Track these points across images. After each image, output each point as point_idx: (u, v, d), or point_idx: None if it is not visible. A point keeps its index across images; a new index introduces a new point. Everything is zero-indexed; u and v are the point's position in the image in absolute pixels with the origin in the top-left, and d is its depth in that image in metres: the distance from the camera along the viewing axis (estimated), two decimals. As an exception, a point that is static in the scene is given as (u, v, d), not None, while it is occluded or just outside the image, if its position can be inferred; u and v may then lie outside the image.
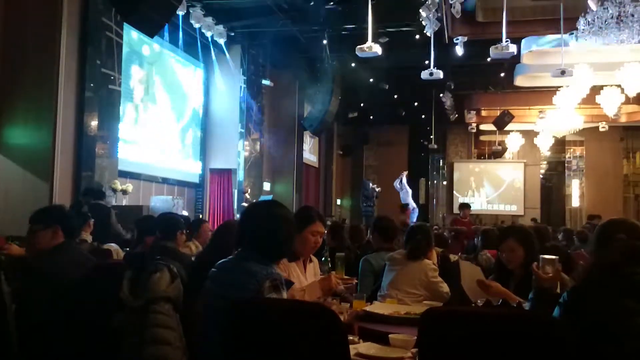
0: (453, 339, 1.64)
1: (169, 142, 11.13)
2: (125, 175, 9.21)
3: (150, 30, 9.25)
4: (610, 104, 12.79)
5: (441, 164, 20.49)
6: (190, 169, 11.86)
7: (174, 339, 2.18)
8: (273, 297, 2.10)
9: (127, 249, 5.30)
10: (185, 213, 9.23)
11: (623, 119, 15.70)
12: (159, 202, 9.09)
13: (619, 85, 12.13)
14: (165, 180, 10.96)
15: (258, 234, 2.34)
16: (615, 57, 10.72)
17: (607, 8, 8.35)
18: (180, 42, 10.73)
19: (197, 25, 10.08)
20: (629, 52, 10.04)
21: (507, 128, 16.23)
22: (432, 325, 1.69)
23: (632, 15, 8.32)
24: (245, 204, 11.72)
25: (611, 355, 1.77)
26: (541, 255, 2.51)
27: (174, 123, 11.34)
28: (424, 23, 9.23)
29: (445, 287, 3.85)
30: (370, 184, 15.97)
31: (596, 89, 12.69)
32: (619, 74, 11.26)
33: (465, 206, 10.72)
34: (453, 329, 1.65)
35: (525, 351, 1.70)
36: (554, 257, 2.49)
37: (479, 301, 2.96)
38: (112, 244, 5.53)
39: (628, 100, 12.80)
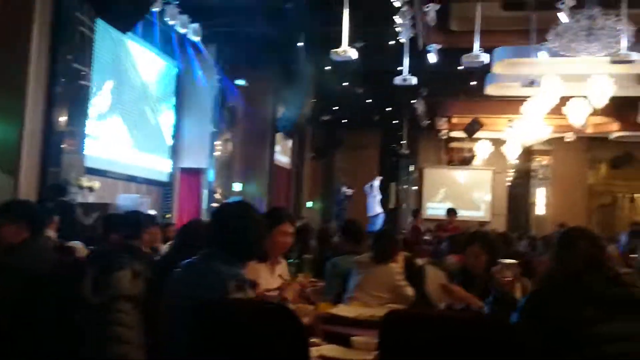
0: (412, 342, 1.67)
1: (139, 140, 11.00)
2: (92, 172, 9.06)
3: (124, 26, 9.17)
4: (577, 115, 13.07)
5: (412, 169, 20.66)
6: (159, 167, 11.73)
7: (135, 338, 2.17)
8: (237, 298, 2.10)
9: (92, 247, 5.22)
10: (152, 212, 9.13)
11: (589, 130, 16.05)
12: (126, 200, 8.98)
13: (586, 97, 12.41)
14: (133, 179, 10.82)
15: (228, 234, 2.34)
16: (583, 69, 10.97)
17: (578, 20, 8.55)
18: (154, 39, 10.62)
19: (171, 23, 9.99)
20: (597, 64, 10.27)
21: (476, 135, 16.47)
22: (392, 328, 1.72)
23: (602, 28, 8.53)
24: (215, 205, 11.66)
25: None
26: (500, 260, 2.56)
27: (144, 121, 11.21)
28: (399, 29, 9.31)
29: (410, 291, 3.90)
30: (343, 188, 16.06)
31: (564, 100, 12.96)
32: (587, 86, 11.54)
33: (452, 212, 10.81)
34: (412, 332, 1.68)
35: (483, 355, 1.73)
36: (512, 261, 2.54)
37: (441, 305, 3.00)
38: (76, 242, 5.45)
39: (595, 112, 13.10)
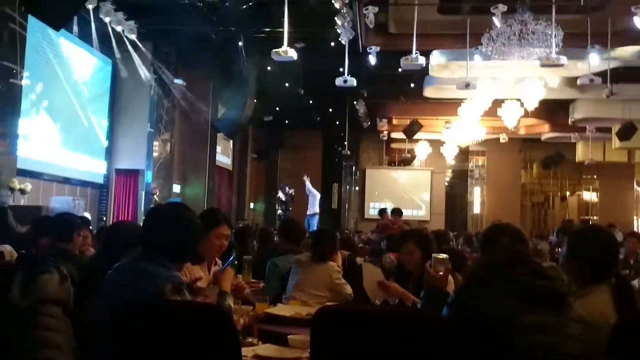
0: (343, 337, 1.69)
1: (73, 140, 10.65)
2: (25, 174, 8.74)
3: (57, 22, 8.83)
4: (511, 117, 13.55)
5: (354, 170, 20.89)
6: (94, 168, 11.39)
7: (63, 342, 2.10)
8: (166, 299, 2.07)
9: (23, 250, 5.04)
10: (87, 215, 8.87)
11: (522, 132, 16.67)
12: (59, 202, 8.70)
13: (519, 100, 12.87)
14: (67, 180, 10.48)
15: (163, 236, 2.31)
16: (516, 73, 11.37)
17: (511, 25, 8.86)
18: (89, 37, 10.32)
19: (106, 20, 9.73)
20: (529, 68, 10.65)
21: (416, 137, 16.79)
22: (323, 324, 1.73)
23: (533, 33, 8.87)
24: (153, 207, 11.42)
25: (498, 354, 1.87)
26: (433, 255, 2.62)
27: (78, 121, 10.87)
28: (339, 31, 9.39)
29: (348, 289, 3.94)
30: (287, 188, 16.06)
31: (498, 102, 13.40)
32: (519, 89, 11.97)
33: (396, 212, 10.97)
34: (343, 327, 1.70)
35: (414, 348, 1.77)
36: (445, 256, 2.60)
37: (377, 301, 3.05)
38: (5, 245, 5.26)
39: (527, 114, 13.60)
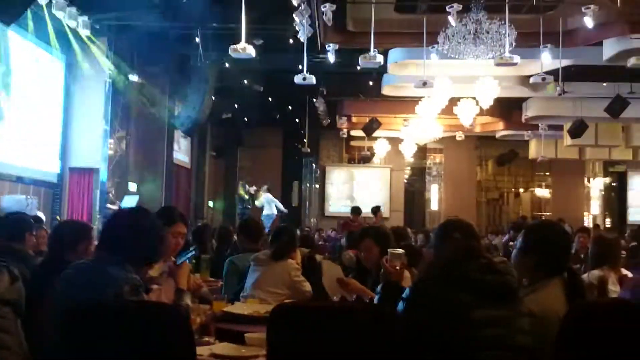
0: (300, 334, 1.70)
1: (26, 139, 10.35)
2: (-26, 172, 8.47)
3: (7, 17, 8.58)
4: (466, 115, 13.79)
5: (314, 168, 20.92)
6: (47, 167, 11.08)
7: (13, 343, 2.05)
8: (118, 299, 2.05)
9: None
10: (40, 214, 8.63)
11: (477, 129, 16.98)
12: (11, 202, 8.45)
13: (474, 98, 13.11)
14: (19, 179, 10.17)
15: (123, 241, 2.30)
16: (471, 71, 11.58)
17: (466, 24, 9.01)
18: (41, 32, 10.03)
19: (59, 15, 9.48)
20: (484, 67, 10.87)
21: (375, 134, 16.93)
22: (280, 321, 1.74)
23: (487, 32, 9.04)
24: (109, 205, 11.19)
25: (452, 347, 1.91)
26: (389, 250, 2.65)
27: (31, 119, 10.56)
28: (297, 28, 9.37)
29: (307, 286, 3.96)
30: (247, 186, 15.96)
31: (454, 101, 13.62)
32: (475, 87, 12.19)
33: (356, 210, 10.98)
34: (300, 324, 1.70)
35: (371, 344, 1.79)
36: (400, 251, 2.64)
37: (335, 297, 3.08)
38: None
39: (482, 112, 13.86)
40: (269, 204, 14.69)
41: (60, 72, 11.44)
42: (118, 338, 1.84)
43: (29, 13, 9.34)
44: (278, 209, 14.65)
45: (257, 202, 15.18)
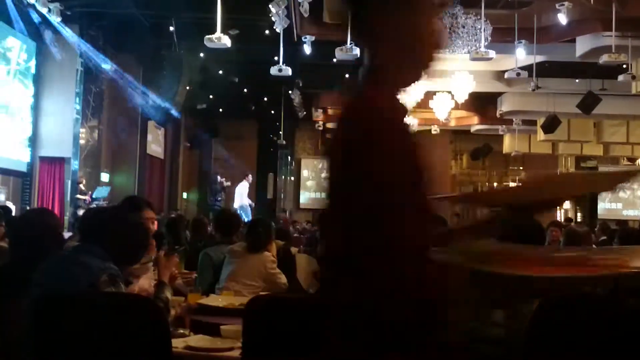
0: (275, 326, 1.68)
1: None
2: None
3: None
4: (442, 109, 13.87)
5: (289, 160, 20.88)
6: (16, 156, 10.85)
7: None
8: (99, 290, 2.02)
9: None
10: (9, 204, 8.45)
11: (453, 123, 17.09)
12: (-21, 191, 8.24)
13: (449, 92, 13.19)
14: (-13, 168, 9.96)
15: (107, 238, 2.27)
16: (447, 65, 11.62)
17: (442, 18, 9.03)
18: (11, 18, 9.79)
19: (30, 1, 9.26)
20: (460, 62, 10.92)
21: (351, 127, 16.91)
22: (255, 313, 1.71)
23: (463, 27, 9.08)
24: (79, 196, 11.01)
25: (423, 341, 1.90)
26: None
27: (0, 107, 10.31)
28: (273, 19, 9.30)
29: (283, 279, 3.93)
30: (219, 178, 15.82)
31: (430, 95, 13.68)
32: (450, 81, 12.25)
33: None
34: (275, 316, 1.69)
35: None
36: None
37: (310, 290, 3.06)
38: None
39: (457, 106, 13.96)
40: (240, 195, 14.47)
41: (31, 59, 11.19)
42: (93, 329, 1.80)
43: (-2, -2, 9.12)
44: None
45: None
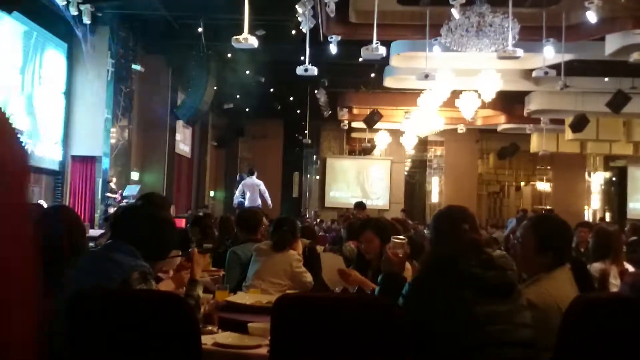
0: (303, 324, 1.72)
1: (28, 126, 10.36)
2: (-26, 160, 8.43)
3: (10, 5, 8.59)
4: (468, 108, 13.77)
5: (314, 159, 20.93)
6: (49, 155, 11.10)
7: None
8: (125, 287, 2.08)
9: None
10: (42, 202, 8.66)
11: (479, 122, 16.97)
12: (13, 189, 8.42)
13: (476, 91, 13.09)
14: (21, 167, 10.18)
15: (137, 234, 2.33)
16: (474, 64, 11.55)
17: (469, 17, 8.98)
18: (44, 20, 10.01)
19: (61, 4, 9.46)
20: (487, 60, 10.84)
21: (376, 126, 16.91)
22: (283, 312, 1.76)
23: (490, 25, 9.01)
24: (109, 194, 11.22)
25: (454, 343, 1.92)
26: (392, 237, 2.63)
27: (33, 107, 10.56)
28: (300, 19, 9.35)
29: (308, 277, 3.97)
30: (245, 176, 15.88)
31: (456, 93, 13.60)
32: (477, 80, 12.16)
33: (360, 205, 10.43)
34: (303, 315, 1.73)
35: (372, 335, 1.82)
36: (403, 238, 2.62)
37: (336, 289, 3.09)
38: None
39: (484, 105, 13.85)
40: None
41: (63, 61, 11.44)
42: (124, 326, 1.86)
43: (31, 1, 9.34)
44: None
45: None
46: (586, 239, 6.29)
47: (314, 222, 14.54)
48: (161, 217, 2.46)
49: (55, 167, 11.31)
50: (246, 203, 12.20)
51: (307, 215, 18.06)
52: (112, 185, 11.36)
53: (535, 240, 2.39)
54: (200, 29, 11.49)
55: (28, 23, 10.10)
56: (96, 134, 11.46)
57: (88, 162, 11.54)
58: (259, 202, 12.28)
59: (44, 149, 10.95)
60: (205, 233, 5.70)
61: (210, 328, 2.51)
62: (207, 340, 2.26)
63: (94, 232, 8.28)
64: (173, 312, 1.83)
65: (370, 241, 3.55)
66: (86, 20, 10.14)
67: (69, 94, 11.56)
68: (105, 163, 11.51)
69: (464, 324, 1.91)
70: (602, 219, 16.70)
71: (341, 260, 3.74)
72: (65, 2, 9.43)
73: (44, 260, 2.15)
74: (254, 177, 12.71)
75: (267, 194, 12.63)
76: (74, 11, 9.74)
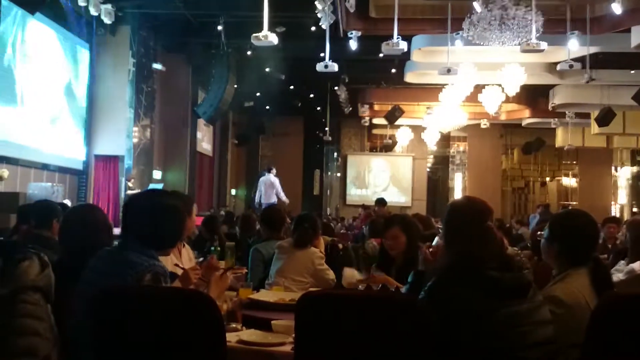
0: (327, 322, 1.69)
1: (51, 126, 10.49)
2: (1, 160, 8.62)
3: (32, 6, 8.69)
4: (492, 103, 13.59)
5: (335, 156, 20.90)
6: (73, 154, 11.24)
7: (44, 329, 2.07)
8: (146, 284, 2.06)
9: (1, 237, 5.00)
10: (67, 201, 8.75)
11: (503, 117, 16.78)
12: (38, 189, 8.57)
13: (499, 85, 12.93)
14: (45, 167, 10.34)
15: (141, 224, 2.29)
16: (497, 58, 11.40)
17: (491, 10, 8.86)
18: (65, 20, 10.12)
19: (82, 4, 9.54)
20: (510, 54, 10.69)
21: (397, 122, 16.82)
22: (307, 308, 1.73)
23: (514, 18, 8.87)
24: (129, 192, 11.32)
25: (476, 346, 1.88)
26: (437, 238, 2.58)
27: (56, 106, 10.69)
28: (319, 15, 9.31)
29: (331, 274, 3.95)
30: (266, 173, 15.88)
31: (479, 88, 13.45)
32: (500, 74, 12.01)
33: (381, 201, 10.29)
34: (327, 312, 1.70)
35: (396, 333, 1.78)
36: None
37: (360, 286, 3.06)
38: (-19, 233, 5.20)
39: (508, 99, 13.67)
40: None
41: (85, 60, 11.56)
42: (149, 324, 1.85)
43: (53, 1, 9.44)
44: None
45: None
46: (614, 235, 6.16)
47: (336, 219, 14.51)
48: (164, 202, 2.36)
49: (79, 166, 11.45)
50: (262, 200, 12.24)
51: (329, 212, 18.04)
52: (130, 184, 11.44)
53: (548, 232, 2.39)
54: (220, 27, 11.52)
55: (50, 24, 10.22)
56: (119, 133, 11.57)
57: (111, 161, 11.66)
58: (274, 199, 12.29)
59: (68, 148, 11.09)
60: (213, 234, 5.75)
61: (234, 325, 2.50)
62: (231, 337, 2.25)
63: (118, 230, 8.35)
64: (198, 309, 1.81)
65: (396, 238, 3.51)
66: (107, 20, 10.22)
67: (91, 93, 11.68)
68: (128, 162, 11.61)
69: (484, 327, 1.88)
70: (635, 213, 16.38)
71: (355, 272, 3.66)
72: (85, 3, 9.51)
73: (70, 259, 2.16)
74: (270, 174, 12.71)
75: (279, 188, 12.59)
76: (95, 11, 9.82)
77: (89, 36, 10.94)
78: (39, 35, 10.13)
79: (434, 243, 2.53)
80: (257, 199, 12.65)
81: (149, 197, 2.50)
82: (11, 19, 9.15)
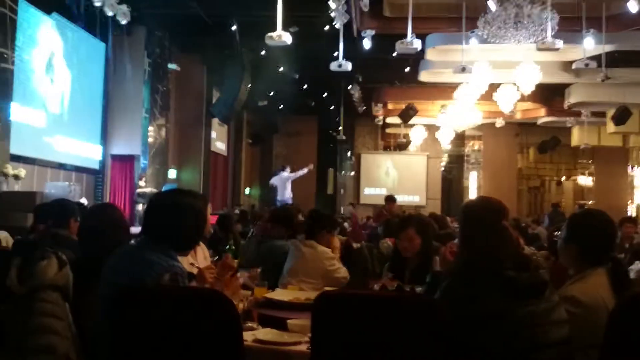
0: (344, 322, 1.69)
1: (68, 126, 10.59)
2: (18, 159, 8.69)
3: (49, 6, 8.77)
4: (507, 101, 13.49)
5: (349, 155, 20.87)
6: (89, 154, 11.33)
7: (62, 328, 2.09)
8: (164, 284, 2.07)
9: (18, 236, 5.06)
10: (83, 200, 8.83)
11: (518, 116, 16.65)
12: (54, 188, 8.65)
13: (515, 84, 12.83)
14: (62, 166, 10.43)
15: (161, 224, 2.30)
16: (512, 56, 11.32)
17: (506, 8, 8.80)
18: (81, 21, 10.20)
19: (98, 4, 9.61)
20: (525, 52, 10.61)
21: (411, 121, 16.76)
22: (323, 308, 1.74)
23: (529, 17, 8.81)
24: (139, 190, 11.41)
25: (493, 346, 1.88)
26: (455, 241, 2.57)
27: (72, 106, 10.79)
28: (333, 14, 9.30)
29: (342, 272, 3.96)
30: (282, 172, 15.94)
31: (494, 87, 13.36)
32: (515, 73, 11.92)
33: (390, 198, 10.37)
34: (344, 312, 1.70)
35: (413, 333, 1.78)
36: None
37: (375, 285, 3.06)
38: (1, 232, 5.28)
39: (523, 98, 13.56)
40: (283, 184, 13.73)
41: (101, 60, 11.65)
42: (167, 323, 1.87)
43: (69, 1, 9.52)
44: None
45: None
46: (631, 235, 6.12)
47: (348, 219, 14.48)
48: (186, 205, 2.35)
49: (96, 166, 11.55)
50: (277, 197, 12.37)
51: (342, 212, 18.02)
52: (142, 183, 11.50)
53: (565, 232, 2.37)
54: (234, 27, 11.55)
55: (66, 24, 10.30)
56: (134, 133, 11.66)
57: (127, 161, 11.74)
58: (288, 196, 12.37)
59: (84, 148, 11.18)
60: (228, 232, 5.79)
61: (250, 324, 2.51)
62: (247, 336, 2.26)
63: (134, 229, 8.42)
64: (216, 309, 1.82)
65: (411, 239, 3.48)
66: (123, 20, 10.29)
67: (107, 93, 11.78)
68: (144, 162, 11.70)
69: (498, 328, 1.87)
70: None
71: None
72: (100, 3, 9.58)
73: (88, 258, 2.18)
74: (283, 172, 12.81)
75: (297, 174, 12.72)
76: (110, 12, 9.89)
77: (105, 36, 11.02)
78: (55, 35, 10.22)
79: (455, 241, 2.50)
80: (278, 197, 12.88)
81: (171, 197, 2.50)
82: (28, 19, 9.24)
